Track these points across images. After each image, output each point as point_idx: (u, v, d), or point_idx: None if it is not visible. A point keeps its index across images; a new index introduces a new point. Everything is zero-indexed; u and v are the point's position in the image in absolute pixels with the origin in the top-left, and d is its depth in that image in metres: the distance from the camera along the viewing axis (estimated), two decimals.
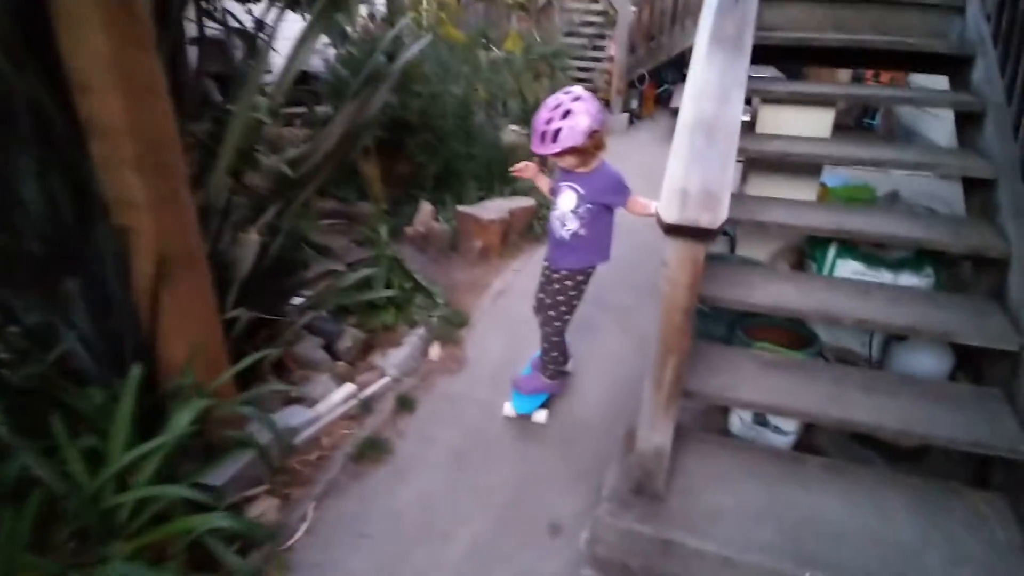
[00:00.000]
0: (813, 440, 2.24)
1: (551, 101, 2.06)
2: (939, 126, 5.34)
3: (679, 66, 8.84)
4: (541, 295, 2.41)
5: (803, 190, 2.79)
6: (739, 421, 2.26)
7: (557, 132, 2.02)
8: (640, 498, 1.86)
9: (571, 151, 2.06)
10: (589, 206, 2.15)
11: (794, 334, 2.39)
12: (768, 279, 2.30)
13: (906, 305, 2.08)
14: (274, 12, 2.13)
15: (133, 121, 1.55)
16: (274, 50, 2.45)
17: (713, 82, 1.80)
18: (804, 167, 2.74)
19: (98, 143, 1.59)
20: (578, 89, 2.10)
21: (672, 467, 1.89)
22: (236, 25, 2.54)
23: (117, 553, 1.37)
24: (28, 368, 1.62)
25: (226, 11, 2.56)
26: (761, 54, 2.83)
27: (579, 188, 2.15)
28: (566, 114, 2.02)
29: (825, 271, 2.49)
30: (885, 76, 6.25)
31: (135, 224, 1.65)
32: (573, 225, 2.18)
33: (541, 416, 2.47)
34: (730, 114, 1.73)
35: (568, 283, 2.27)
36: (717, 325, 2.59)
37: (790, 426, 2.17)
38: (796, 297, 2.12)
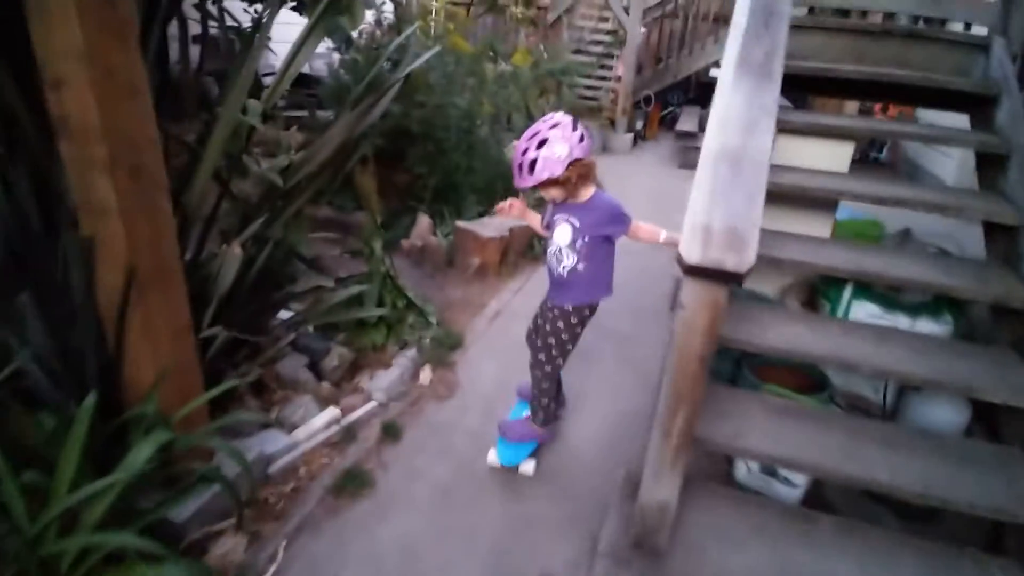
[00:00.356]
0: (823, 493, 2.11)
1: (529, 130, 1.93)
2: (946, 163, 5.26)
3: (685, 89, 8.83)
4: (533, 327, 2.28)
5: (818, 225, 2.68)
6: (745, 469, 2.13)
7: (533, 163, 1.88)
8: (640, 553, 1.72)
9: (553, 183, 1.92)
10: (587, 239, 2.00)
11: (805, 376, 2.27)
12: (781, 319, 2.17)
13: (926, 355, 1.97)
14: (275, 12, 1.99)
15: (108, 120, 1.42)
16: (271, 51, 2.33)
17: (739, 110, 1.68)
18: (820, 202, 2.63)
19: (68, 143, 1.45)
20: (559, 115, 1.95)
21: (675, 519, 1.75)
22: (234, 24, 2.42)
23: None
24: None
25: (223, 9, 2.44)
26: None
27: (574, 220, 2.00)
28: (542, 143, 1.88)
29: (840, 312, 2.38)
30: (893, 110, 6.20)
31: (104, 232, 1.51)
32: (570, 261, 2.03)
33: (528, 468, 2.25)
34: (758, 145, 1.61)
35: (561, 323, 2.09)
36: (723, 361, 2.47)
37: (800, 478, 2.04)
38: (811, 340, 1.99)
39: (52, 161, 1.50)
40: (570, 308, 2.08)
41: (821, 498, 2.08)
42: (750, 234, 1.40)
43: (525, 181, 1.91)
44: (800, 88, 3.01)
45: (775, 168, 2.58)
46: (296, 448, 2.16)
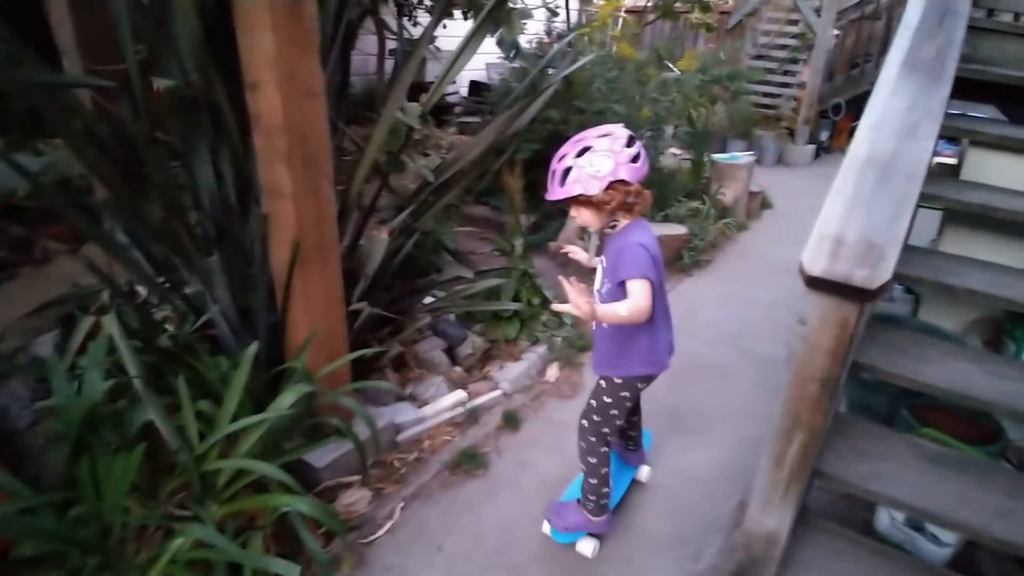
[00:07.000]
0: (975, 557, 1.82)
1: (575, 136, 1.61)
2: None
3: None
4: None
5: (1013, 254, 2.31)
6: (888, 519, 1.91)
7: (567, 172, 1.55)
8: None
9: (585, 202, 1.57)
10: (610, 286, 1.64)
11: (975, 424, 1.98)
12: (948, 354, 1.90)
13: None
14: (433, 26, 2.19)
15: (288, 117, 1.68)
16: (437, 59, 2.55)
17: (899, 113, 1.53)
18: (1017, 227, 2.26)
19: (259, 136, 1.74)
20: (617, 128, 1.59)
21: (788, 557, 1.63)
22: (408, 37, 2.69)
23: (210, 514, 1.48)
24: (177, 331, 1.82)
25: (402, 26, 2.72)
26: (978, 91, 2.41)
27: (604, 259, 1.68)
28: (583, 152, 1.54)
29: None
30: None
31: (279, 211, 1.79)
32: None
33: (587, 548, 1.89)
34: (916, 152, 1.46)
35: (601, 383, 1.77)
36: (879, 397, 2.23)
37: (950, 537, 1.78)
38: (980, 382, 1.72)
39: (248, 151, 1.81)
40: (598, 377, 1.78)
41: (973, 562, 1.80)
42: (889, 249, 1.28)
43: (554, 192, 1.58)
44: (1005, 100, 2.61)
45: (963, 184, 2.28)
46: (423, 422, 2.35)
